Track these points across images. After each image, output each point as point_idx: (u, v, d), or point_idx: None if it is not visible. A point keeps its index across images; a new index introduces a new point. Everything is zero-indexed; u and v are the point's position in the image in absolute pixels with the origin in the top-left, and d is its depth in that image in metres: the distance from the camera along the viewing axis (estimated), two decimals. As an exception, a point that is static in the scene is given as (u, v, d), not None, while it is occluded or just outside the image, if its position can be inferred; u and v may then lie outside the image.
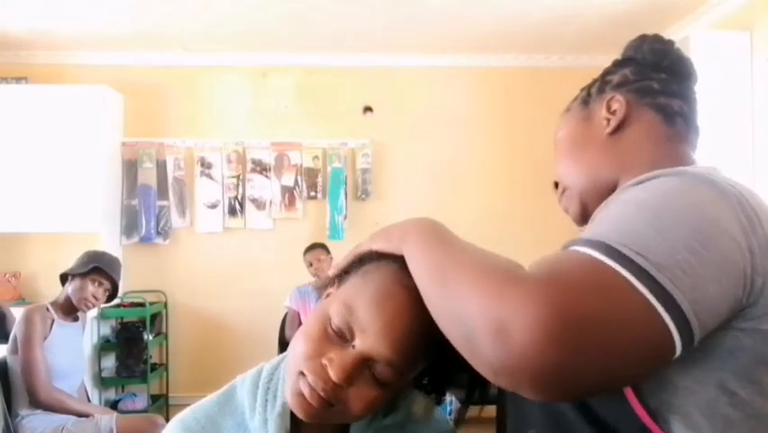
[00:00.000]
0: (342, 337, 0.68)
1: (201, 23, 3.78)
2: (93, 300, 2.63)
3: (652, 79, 0.84)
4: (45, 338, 2.54)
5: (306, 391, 0.67)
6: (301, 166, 4.37)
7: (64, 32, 3.90)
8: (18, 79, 4.18)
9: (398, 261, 0.70)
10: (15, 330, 2.53)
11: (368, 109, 4.46)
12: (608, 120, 0.84)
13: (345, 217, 4.30)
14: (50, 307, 2.63)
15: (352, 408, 0.68)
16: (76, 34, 3.96)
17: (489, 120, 4.44)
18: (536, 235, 4.19)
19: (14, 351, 2.50)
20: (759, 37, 3.17)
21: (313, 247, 3.89)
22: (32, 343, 2.47)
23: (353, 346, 0.67)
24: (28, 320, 2.50)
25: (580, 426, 0.66)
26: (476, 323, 0.53)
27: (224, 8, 3.54)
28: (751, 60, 3.21)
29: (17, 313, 2.69)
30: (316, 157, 4.39)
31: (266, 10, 3.56)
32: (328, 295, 0.75)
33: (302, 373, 0.68)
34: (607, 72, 0.90)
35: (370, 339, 0.67)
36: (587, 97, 0.90)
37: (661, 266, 0.53)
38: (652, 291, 0.52)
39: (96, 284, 2.62)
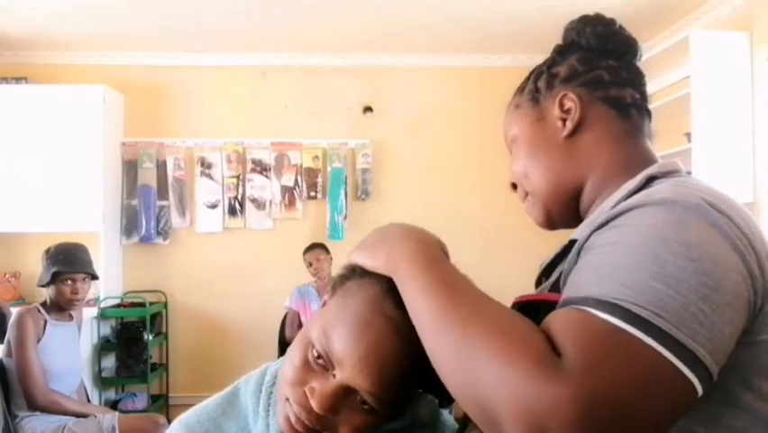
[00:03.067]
0: (324, 365, 0.66)
1: (201, 22, 3.78)
2: (76, 297, 2.59)
3: (600, 68, 0.81)
4: (39, 340, 2.51)
5: (293, 418, 0.66)
6: (301, 166, 4.37)
7: (64, 32, 3.90)
8: (18, 79, 4.18)
9: (382, 280, 0.67)
10: (8, 334, 2.50)
11: (368, 109, 4.46)
12: (563, 121, 0.80)
13: (345, 217, 4.30)
14: (41, 308, 2.60)
15: (343, 431, 0.67)
16: (75, 34, 3.95)
17: (488, 120, 4.41)
18: (536, 234, 4.18)
19: (10, 354, 2.49)
20: (759, 37, 3.17)
21: (312, 247, 3.88)
22: (25, 346, 2.45)
23: (334, 376, 0.65)
24: (19, 323, 2.48)
25: None
26: (504, 413, 0.52)
27: (224, 8, 3.54)
28: (751, 60, 3.20)
29: (17, 313, 2.67)
30: (316, 157, 4.39)
31: (266, 10, 3.56)
32: (324, 304, 0.73)
33: (288, 400, 0.67)
34: (552, 62, 0.85)
35: (347, 372, 0.64)
36: (536, 94, 0.84)
37: (679, 323, 0.53)
38: (676, 354, 0.52)
39: (69, 282, 2.57)
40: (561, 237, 0.80)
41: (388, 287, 0.66)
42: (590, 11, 0.86)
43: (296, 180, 4.36)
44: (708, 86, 3.20)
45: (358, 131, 4.41)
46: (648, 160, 0.78)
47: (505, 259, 4.18)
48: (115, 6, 3.50)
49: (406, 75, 4.46)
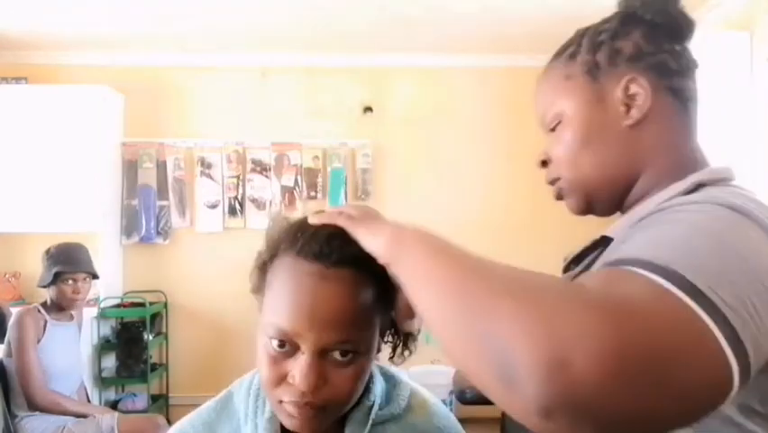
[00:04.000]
0: (290, 351, 0.69)
1: (201, 22, 3.78)
2: (78, 296, 2.59)
3: (665, 51, 0.73)
4: (39, 340, 2.51)
5: (296, 412, 0.68)
6: (301, 166, 4.37)
7: (64, 32, 3.90)
8: (18, 79, 4.17)
9: (285, 249, 0.71)
10: (8, 334, 2.50)
11: (368, 109, 4.46)
12: (627, 107, 0.73)
13: (345, 217, 4.30)
14: (41, 308, 2.60)
15: (343, 393, 0.69)
16: (75, 34, 3.95)
17: (489, 120, 4.43)
18: (537, 235, 4.20)
19: (10, 354, 2.49)
20: (759, 37, 3.17)
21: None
22: (25, 346, 2.45)
23: (303, 352, 0.67)
24: (20, 324, 2.48)
25: None
26: (521, 351, 0.44)
27: (223, 8, 3.54)
28: (751, 60, 3.20)
29: (17, 314, 2.67)
30: (316, 157, 4.39)
31: (266, 10, 3.56)
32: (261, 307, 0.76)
33: (281, 401, 0.69)
34: (614, 33, 0.75)
35: (311, 338, 0.66)
36: (594, 68, 0.75)
37: (733, 308, 0.48)
38: (725, 335, 0.47)
39: (70, 282, 2.57)
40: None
41: (294, 252, 0.69)
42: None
43: (296, 180, 4.36)
44: (708, 86, 3.19)
45: (358, 131, 4.41)
46: (701, 162, 0.74)
47: (507, 261, 4.17)
48: (116, 6, 3.50)
49: (406, 75, 4.46)
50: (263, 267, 0.76)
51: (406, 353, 0.79)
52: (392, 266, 0.60)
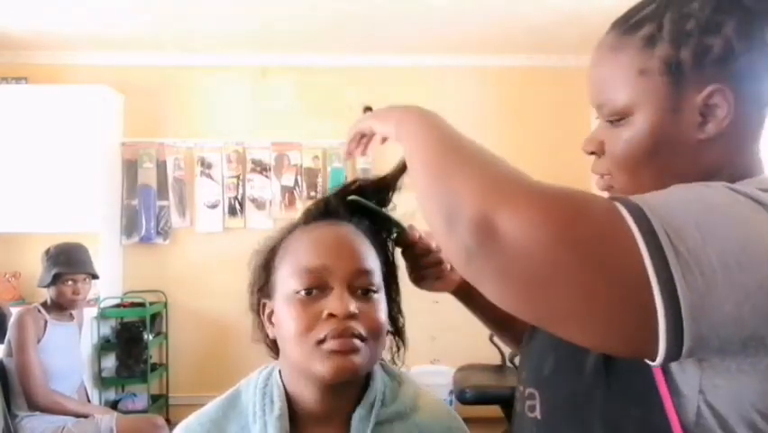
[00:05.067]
0: (319, 295, 0.74)
1: (201, 23, 3.78)
2: (78, 297, 2.60)
3: (756, 50, 0.61)
4: (39, 340, 2.51)
5: (337, 345, 0.71)
6: (301, 166, 4.37)
7: (64, 32, 3.90)
8: (18, 79, 4.18)
9: (296, 225, 0.81)
10: (9, 334, 2.50)
11: (368, 109, 4.45)
12: (703, 117, 0.62)
13: (345, 217, 4.30)
14: (41, 308, 2.60)
15: (374, 323, 0.75)
16: (76, 34, 3.95)
17: (488, 120, 4.43)
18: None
19: (10, 354, 2.49)
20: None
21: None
22: (26, 346, 2.45)
23: (332, 288, 0.74)
24: (20, 323, 2.48)
25: None
26: (464, 204, 0.54)
27: (223, 8, 3.54)
28: None
29: (17, 314, 2.67)
30: (316, 157, 4.39)
31: (265, 10, 3.56)
32: (269, 314, 0.81)
33: (320, 342, 0.71)
34: (706, 24, 0.60)
35: (340, 268, 0.75)
36: (678, 70, 0.61)
37: (680, 254, 0.48)
38: (656, 270, 0.48)
39: (70, 282, 2.57)
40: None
41: (302, 224, 0.81)
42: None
43: (296, 180, 4.36)
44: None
45: (358, 131, 4.40)
46: (758, 169, 0.66)
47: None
48: (116, 6, 3.50)
49: (406, 75, 4.46)
50: (272, 252, 0.82)
51: (401, 351, 0.85)
52: (398, 141, 0.70)
